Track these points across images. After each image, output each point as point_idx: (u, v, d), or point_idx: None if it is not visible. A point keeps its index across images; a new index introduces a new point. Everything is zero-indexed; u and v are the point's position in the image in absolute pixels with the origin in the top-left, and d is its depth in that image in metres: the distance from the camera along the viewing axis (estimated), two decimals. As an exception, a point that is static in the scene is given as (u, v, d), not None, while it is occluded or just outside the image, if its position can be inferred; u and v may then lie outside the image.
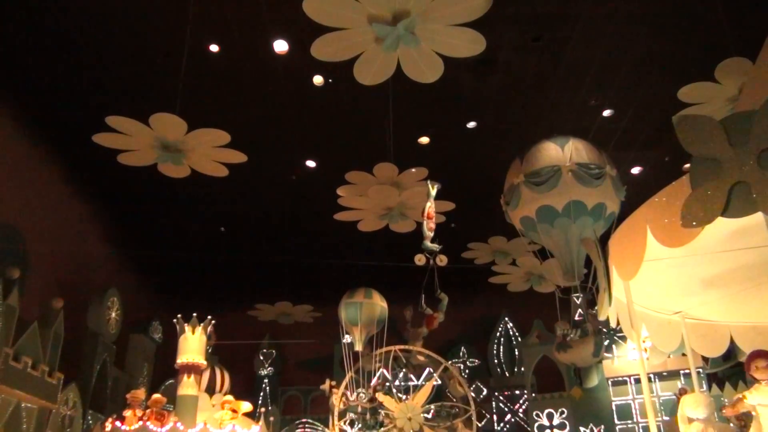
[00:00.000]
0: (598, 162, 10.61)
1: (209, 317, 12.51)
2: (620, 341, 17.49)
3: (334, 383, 14.99)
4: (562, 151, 10.60)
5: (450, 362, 16.04)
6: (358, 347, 14.70)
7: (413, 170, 12.58)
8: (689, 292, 6.59)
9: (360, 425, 14.59)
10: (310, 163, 14.43)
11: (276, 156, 13.57)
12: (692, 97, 10.21)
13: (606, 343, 17.95)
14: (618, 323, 6.68)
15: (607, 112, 12.54)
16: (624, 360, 17.21)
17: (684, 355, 14.47)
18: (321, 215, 14.21)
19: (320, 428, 19.00)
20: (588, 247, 6.50)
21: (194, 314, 12.33)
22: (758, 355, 5.80)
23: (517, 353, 19.73)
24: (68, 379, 12.59)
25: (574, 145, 10.64)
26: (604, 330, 10.57)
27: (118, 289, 15.30)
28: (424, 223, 11.79)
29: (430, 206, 11.75)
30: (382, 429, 14.10)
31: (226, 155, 10.74)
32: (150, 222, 15.72)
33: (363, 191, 12.92)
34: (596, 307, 12.09)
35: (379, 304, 14.34)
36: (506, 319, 20.23)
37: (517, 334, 20.01)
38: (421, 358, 15.38)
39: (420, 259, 12.04)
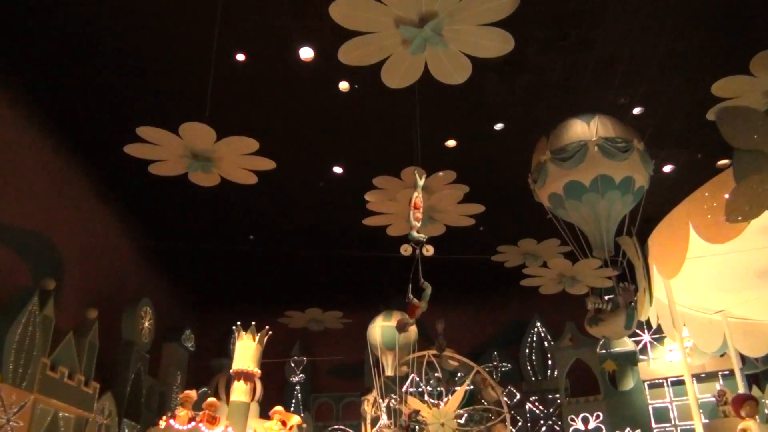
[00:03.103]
0: (625, 136, 10.57)
1: (266, 327, 12.70)
2: (656, 343, 17.16)
3: (367, 398, 14.92)
4: (588, 127, 10.60)
5: (482, 367, 15.88)
6: (390, 372, 14.62)
7: (440, 174, 12.49)
8: (732, 289, 6.43)
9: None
10: (338, 169, 14.45)
11: (304, 163, 13.62)
12: (727, 92, 9.97)
13: (641, 345, 17.66)
14: (658, 323, 6.53)
15: (637, 110, 12.35)
16: (661, 362, 16.88)
17: (722, 356, 14.21)
18: (349, 221, 14.19)
19: (352, 434, 18.99)
20: (626, 246, 6.38)
21: (252, 323, 12.52)
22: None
23: (549, 357, 19.47)
24: (104, 389, 12.71)
25: (600, 120, 10.64)
26: (635, 303, 10.50)
27: (150, 299, 15.44)
28: (410, 213, 11.76)
29: (417, 196, 11.71)
30: None
31: (255, 163, 10.75)
32: (181, 231, 15.86)
33: (391, 196, 12.86)
34: (626, 283, 11.90)
35: (413, 329, 14.26)
36: (538, 322, 19.98)
37: (549, 337, 19.76)
38: (453, 363, 15.25)
39: (406, 249, 11.99)
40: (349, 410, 19.28)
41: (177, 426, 11.07)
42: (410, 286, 12.46)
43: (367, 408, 14.32)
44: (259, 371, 12.73)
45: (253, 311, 15.92)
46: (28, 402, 10.17)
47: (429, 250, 11.72)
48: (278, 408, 12.47)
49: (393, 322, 14.71)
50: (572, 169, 10.34)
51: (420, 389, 15.85)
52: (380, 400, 14.04)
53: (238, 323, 12.70)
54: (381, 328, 14.87)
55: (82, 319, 12.55)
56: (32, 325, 10.35)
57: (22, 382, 10.03)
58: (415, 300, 12.77)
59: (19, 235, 11.76)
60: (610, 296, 11.79)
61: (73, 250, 13.34)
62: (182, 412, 11.36)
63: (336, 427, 19.38)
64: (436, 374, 15.06)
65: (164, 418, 11.39)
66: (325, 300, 19.13)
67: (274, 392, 15.90)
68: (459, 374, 16.62)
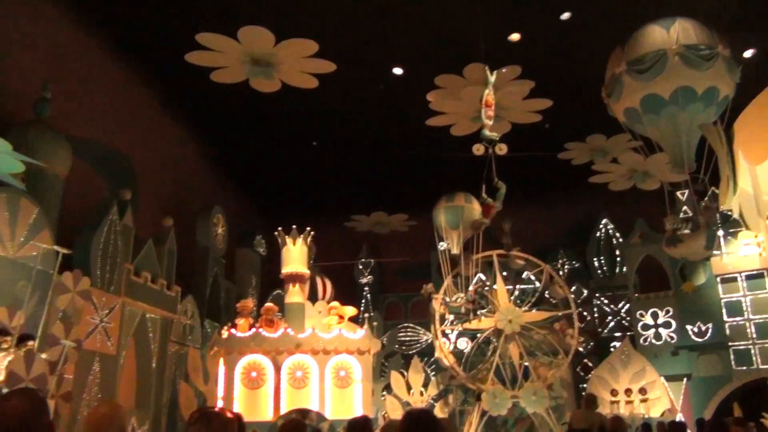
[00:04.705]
0: (709, 42, 9.74)
1: (308, 229, 12.92)
2: (730, 237, 16.67)
3: (432, 288, 15.19)
4: (667, 34, 9.81)
5: (549, 265, 15.84)
6: (456, 250, 14.70)
7: (504, 70, 12.05)
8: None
9: (458, 322, 14.80)
10: (398, 70, 14.14)
11: (364, 64, 13.36)
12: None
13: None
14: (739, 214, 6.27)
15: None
16: (734, 256, 16.44)
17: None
18: (412, 122, 14.01)
19: (421, 332, 19.59)
20: (708, 133, 6.04)
21: (294, 227, 12.77)
22: None
23: (618, 254, 19.25)
24: (185, 292, 13.42)
25: (680, 25, 9.79)
26: (718, 223, 10.07)
27: (222, 207, 15.94)
28: (482, 111, 11.44)
29: (488, 93, 11.35)
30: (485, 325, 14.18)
31: (315, 66, 10.64)
32: (247, 140, 16.07)
33: (454, 95, 12.56)
34: (707, 199, 11.49)
35: (477, 208, 14.15)
36: (606, 219, 19.65)
37: (617, 234, 19.46)
38: (520, 262, 15.26)
39: (478, 149, 11.76)
40: (417, 309, 19.80)
41: (239, 334, 11.58)
42: (483, 186, 12.37)
43: (436, 306, 14.59)
44: (308, 272, 12.99)
45: (320, 216, 16.27)
46: (117, 305, 10.86)
47: (502, 149, 11.50)
48: (334, 303, 12.85)
49: (455, 203, 14.72)
50: (650, 81, 9.60)
51: (486, 288, 16.01)
52: (447, 299, 14.26)
53: (280, 229, 12.88)
54: (444, 210, 14.92)
55: (159, 228, 13.12)
56: (114, 234, 10.88)
57: (110, 286, 10.68)
58: (490, 200, 12.71)
59: (95, 150, 12.18)
60: (690, 215, 11.34)
61: (145, 162, 13.77)
62: (241, 321, 11.84)
63: (405, 325, 20.01)
64: (503, 273, 15.11)
65: (226, 328, 11.91)
66: (390, 203, 19.28)
67: (344, 293, 16.39)
68: (524, 273, 16.67)
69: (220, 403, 11.26)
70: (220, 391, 11.49)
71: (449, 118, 13.31)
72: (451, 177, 15.54)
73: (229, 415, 2.73)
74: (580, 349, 16.61)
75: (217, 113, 15.10)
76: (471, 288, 13.89)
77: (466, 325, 14.45)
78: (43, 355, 7.81)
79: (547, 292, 15.27)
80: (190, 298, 13.67)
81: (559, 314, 14.67)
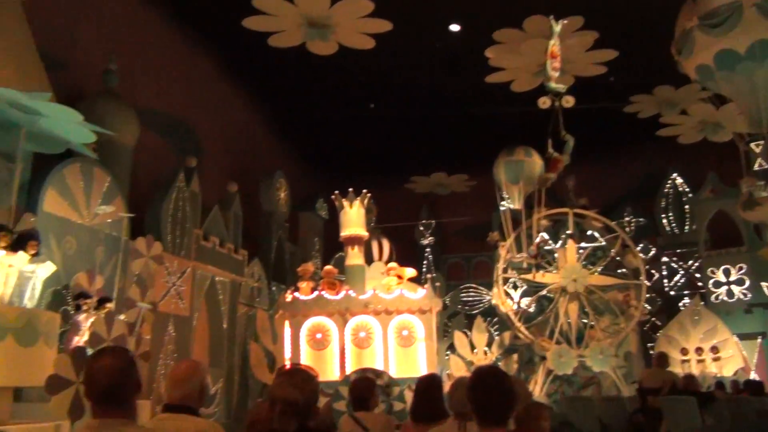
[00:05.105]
0: None
1: (364, 191, 12.92)
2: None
3: (498, 236, 14.96)
4: None
5: (615, 223, 15.42)
6: (518, 206, 14.43)
7: (566, 21, 11.65)
8: None
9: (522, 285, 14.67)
10: (455, 27, 13.87)
11: (420, 23, 13.15)
12: None
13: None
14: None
15: None
16: (815, 209, 15.63)
17: None
18: (471, 79, 13.77)
19: (484, 292, 19.54)
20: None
21: (350, 190, 12.81)
22: None
23: (687, 209, 18.58)
24: (251, 256, 13.76)
25: None
26: None
27: (283, 171, 16.17)
28: (548, 62, 11.07)
29: (554, 44, 10.96)
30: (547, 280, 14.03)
31: (372, 25, 10.56)
32: (305, 104, 16.16)
33: (514, 49, 12.25)
34: None
35: (538, 162, 13.83)
36: (675, 173, 18.94)
37: (687, 189, 18.75)
38: (596, 224, 14.88)
39: (544, 102, 11.42)
40: (480, 269, 19.73)
41: (302, 297, 11.80)
42: (549, 140, 12.06)
43: (502, 253, 14.43)
44: (367, 234, 12.99)
45: (380, 178, 16.31)
46: (188, 268, 11.26)
47: (569, 101, 11.20)
48: (392, 264, 12.87)
49: (515, 158, 14.41)
50: (724, 35, 9.00)
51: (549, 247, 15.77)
52: (511, 257, 14.11)
53: (336, 193, 12.90)
54: (503, 164, 14.58)
55: (225, 194, 13.45)
56: (182, 200, 11.22)
57: (180, 250, 11.07)
58: (556, 154, 12.42)
59: (161, 119, 12.50)
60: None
61: (207, 129, 14.07)
62: (303, 284, 12.04)
63: (468, 285, 20.00)
64: (567, 232, 14.80)
65: (289, 291, 12.13)
66: (449, 164, 19.13)
67: (405, 255, 16.45)
68: (589, 232, 16.28)
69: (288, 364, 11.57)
70: (287, 352, 11.80)
71: (509, 73, 13.03)
72: (512, 134, 15.25)
73: (312, 372, 2.86)
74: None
75: (276, 78, 15.22)
76: (534, 243, 13.70)
77: (527, 277, 14.29)
78: (122, 317, 8.20)
79: (618, 257, 14.83)
80: (256, 261, 14.03)
81: (628, 282, 14.28)
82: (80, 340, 7.22)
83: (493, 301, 14.89)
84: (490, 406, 2.73)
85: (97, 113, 9.23)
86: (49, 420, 5.82)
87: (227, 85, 15.43)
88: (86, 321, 7.42)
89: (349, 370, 11.41)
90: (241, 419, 8.17)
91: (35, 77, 6.33)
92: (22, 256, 6.04)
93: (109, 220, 8.94)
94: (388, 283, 12.40)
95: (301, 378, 2.78)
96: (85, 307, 7.46)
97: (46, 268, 6.63)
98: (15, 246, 5.95)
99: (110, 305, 7.89)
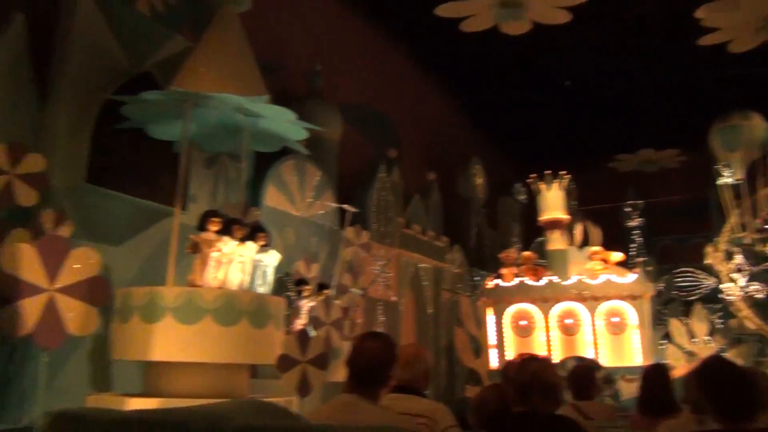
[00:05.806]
0: None
1: (562, 173, 12.43)
2: None
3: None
4: None
5: None
6: (739, 177, 12.94)
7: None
8: None
9: (748, 260, 13.15)
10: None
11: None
12: None
13: None
14: None
15: None
16: None
17: None
18: (680, 44, 12.63)
19: (702, 276, 17.90)
20: None
21: (546, 172, 12.39)
22: None
23: None
24: (451, 242, 13.94)
25: None
26: None
27: (479, 157, 16.14)
28: None
29: None
30: None
31: (567, -1, 10.10)
32: (497, 87, 15.94)
33: (730, 6, 10.99)
34: None
35: (760, 124, 12.25)
36: None
37: None
38: None
39: None
40: (696, 251, 18.10)
41: (504, 284, 11.65)
42: None
43: (712, 260, 13.14)
44: (567, 217, 12.45)
45: (580, 159, 15.61)
46: (393, 256, 11.69)
47: None
48: (596, 248, 12.20)
49: (730, 122, 12.86)
50: None
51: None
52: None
53: (533, 176, 12.45)
54: (718, 131, 13.07)
55: (424, 182, 13.75)
56: (384, 190, 11.68)
57: (385, 239, 11.52)
58: None
59: (361, 114, 13.09)
60: None
61: (404, 120, 14.46)
62: (505, 270, 11.88)
63: (683, 269, 18.45)
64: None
65: (491, 278, 12.04)
66: (657, 138, 17.78)
67: (612, 238, 15.58)
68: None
69: (492, 351, 11.57)
70: (492, 339, 11.77)
71: (725, 33, 11.73)
72: (729, 101, 13.75)
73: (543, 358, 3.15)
74: None
75: (468, 65, 15.19)
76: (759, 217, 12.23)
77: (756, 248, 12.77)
78: (337, 302, 8.74)
79: None
80: (457, 247, 14.18)
81: None
82: (301, 323, 7.81)
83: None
84: (736, 401, 2.49)
85: (306, 113, 9.89)
86: (281, 395, 6.35)
87: (421, 76, 15.73)
88: (306, 305, 8.00)
89: (556, 358, 11.09)
90: (450, 402, 8.33)
91: (254, 83, 6.89)
92: (251, 246, 6.64)
93: (321, 212, 9.58)
94: (593, 267, 11.86)
95: (548, 364, 3.08)
96: (305, 293, 8.04)
97: (274, 257, 7.24)
98: (248, 238, 6.57)
99: (328, 291, 8.43)
